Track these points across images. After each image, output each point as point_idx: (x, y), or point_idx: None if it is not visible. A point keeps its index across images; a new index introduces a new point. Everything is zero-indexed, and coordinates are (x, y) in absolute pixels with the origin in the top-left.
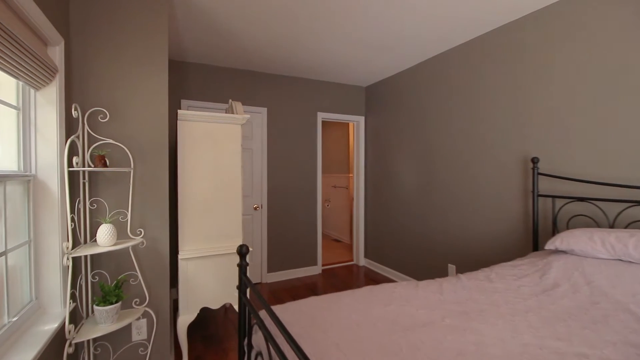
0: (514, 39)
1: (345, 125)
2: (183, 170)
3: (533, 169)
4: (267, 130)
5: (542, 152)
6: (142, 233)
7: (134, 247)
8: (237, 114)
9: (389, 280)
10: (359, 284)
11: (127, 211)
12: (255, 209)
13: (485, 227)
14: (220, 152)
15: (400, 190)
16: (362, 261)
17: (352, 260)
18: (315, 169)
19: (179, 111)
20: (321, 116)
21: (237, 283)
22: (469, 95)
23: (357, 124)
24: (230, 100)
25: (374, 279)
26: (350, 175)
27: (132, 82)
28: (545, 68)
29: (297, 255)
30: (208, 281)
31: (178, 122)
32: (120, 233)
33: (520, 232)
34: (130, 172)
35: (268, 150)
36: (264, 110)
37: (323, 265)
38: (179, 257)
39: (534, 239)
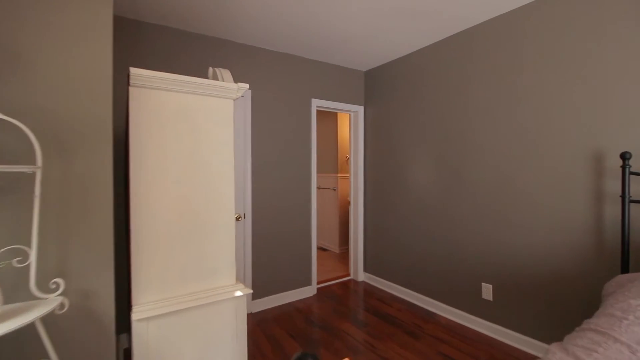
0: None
1: (333, 115)
2: (140, 170)
3: (623, 167)
4: (251, 118)
5: (624, 147)
6: (61, 287)
7: (45, 317)
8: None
9: (397, 300)
10: (365, 306)
11: (30, 247)
12: (238, 219)
13: (533, 240)
14: (202, 142)
15: (412, 194)
16: (361, 276)
17: (348, 274)
18: (309, 169)
19: (132, 70)
20: (316, 103)
21: (231, 348)
22: (511, 78)
23: (354, 115)
24: (211, 69)
25: (380, 299)
26: (341, 175)
27: (42, 5)
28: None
29: (288, 275)
30: (184, 350)
31: (131, 89)
32: (17, 290)
33: (589, 247)
34: (35, 173)
35: (252, 143)
36: (247, 93)
37: (318, 283)
38: (133, 316)
39: (623, 257)
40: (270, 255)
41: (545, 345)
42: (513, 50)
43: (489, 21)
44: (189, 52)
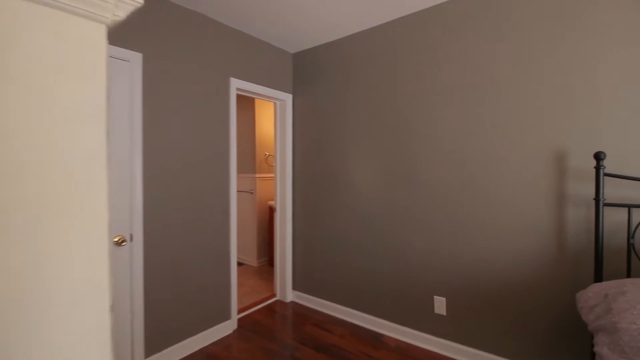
0: None
1: (250, 104)
2: None
3: (597, 168)
4: (141, 96)
5: (587, 146)
6: None
7: None
8: None
9: (337, 322)
10: (301, 337)
11: None
12: (119, 243)
13: (490, 247)
14: (26, 110)
15: (353, 199)
16: (290, 295)
17: (273, 294)
18: (227, 167)
19: None
20: (236, 84)
21: None
22: (467, 68)
23: (281, 105)
24: None
25: (317, 323)
26: (259, 175)
27: None
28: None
29: (199, 311)
30: None
31: None
32: None
33: (552, 254)
34: None
35: (145, 132)
36: (137, 57)
37: (238, 312)
38: None
39: (596, 264)
40: (174, 289)
41: None
42: (472, 38)
43: (443, 4)
44: None
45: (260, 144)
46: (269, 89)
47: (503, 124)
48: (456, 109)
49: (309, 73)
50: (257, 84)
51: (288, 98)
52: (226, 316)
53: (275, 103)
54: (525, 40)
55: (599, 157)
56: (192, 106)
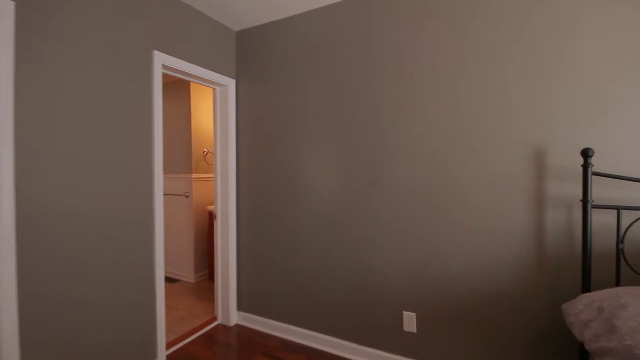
0: None
1: (184, 90)
2: None
3: (585, 166)
4: (14, 60)
5: (568, 143)
6: None
7: None
8: None
9: (292, 347)
10: None
11: None
12: None
13: (464, 255)
14: None
15: (309, 204)
16: (234, 317)
17: (214, 318)
18: (149, 166)
19: None
20: (162, 60)
21: None
22: (439, 55)
23: (222, 92)
24: None
25: (268, 352)
26: (196, 176)
27: None
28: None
29: (109, 357)
30: None
31: None
32: None
33: (531, 260)
34: None
35: (19, 114)
36: (7, 5)
37: (168, 346)
38: None
39: (584, 272)
40: (69, 332)
41: None
42: (447, 23)
43: None
44: None
45: (198, 139)
46: (207, 70)
47: (479, 119)
48: (430, 102)
49: (256, 55)
50: (191, 62)
51: (231, 83)
52: (150, 355)
53: (214, 89)
54: (502, 25)
55: (586, 154)
56: (96, 81)
